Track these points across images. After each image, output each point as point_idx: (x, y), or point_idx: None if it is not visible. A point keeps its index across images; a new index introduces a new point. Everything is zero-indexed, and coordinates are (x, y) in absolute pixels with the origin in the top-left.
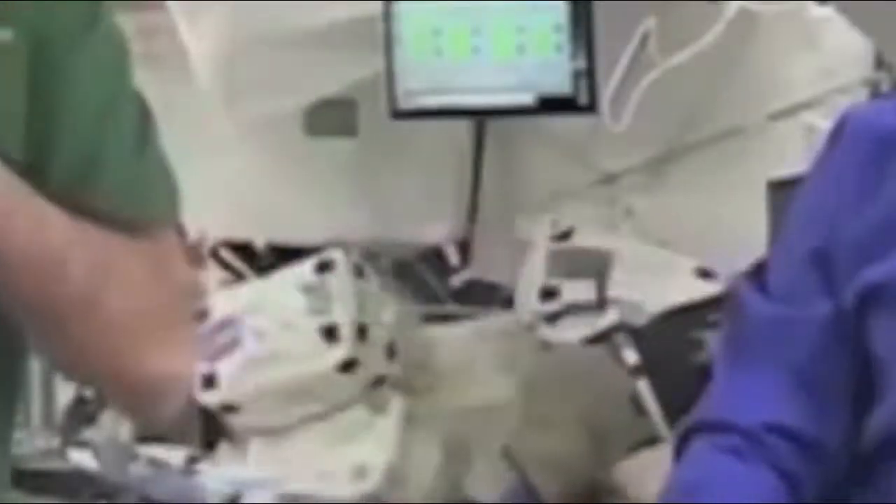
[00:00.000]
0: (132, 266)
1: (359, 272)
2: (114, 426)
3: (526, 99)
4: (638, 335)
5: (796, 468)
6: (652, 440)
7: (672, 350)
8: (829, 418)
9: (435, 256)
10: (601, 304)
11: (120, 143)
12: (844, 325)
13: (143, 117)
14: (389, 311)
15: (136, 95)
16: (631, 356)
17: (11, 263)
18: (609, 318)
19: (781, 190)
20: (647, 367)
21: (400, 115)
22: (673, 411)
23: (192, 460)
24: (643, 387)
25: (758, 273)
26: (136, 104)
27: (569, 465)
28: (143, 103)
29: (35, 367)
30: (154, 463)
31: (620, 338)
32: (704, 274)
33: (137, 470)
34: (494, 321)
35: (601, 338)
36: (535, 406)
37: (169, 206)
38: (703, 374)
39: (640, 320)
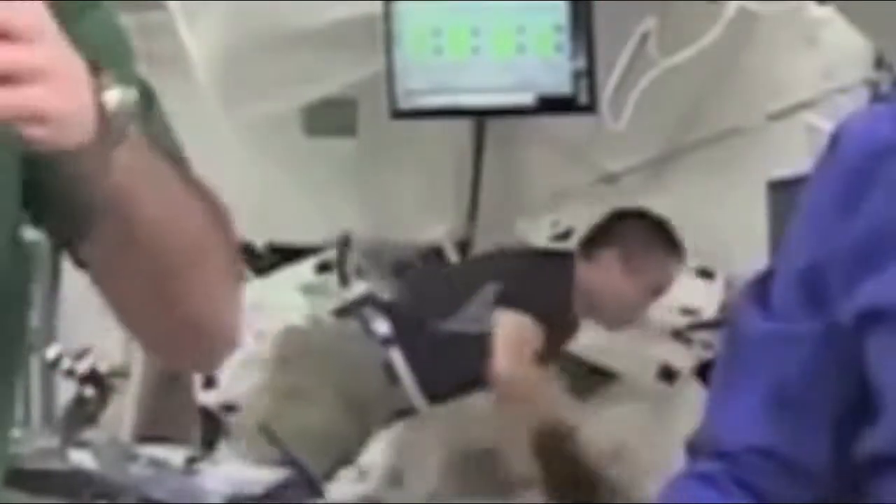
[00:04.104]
0: (216, 216)
1: (359, 272)
2: (114, 426)
3: (526, 99)
4: (386, 306)
5: (777, 490)
6: (407, 410)
7: (422, 319)
8: (815, 439)
9: (435, 256)
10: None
11: None
12: (838, 344)
13: (149, 99)
14: None
15: (141, 80)
16: (381, 326)
17: (144, 218)
18: (356, 290)
19: (781, 190)
20: (397, 337)
21: (400, 115)
22: (425, 380)
23: (192, 460)
24: (396, 356)
25: (759, 286)
26: (140, 85)
27: (329, 437)
28: (146, 85)
29: (35, 367)
30: (154, 463)
31: (369, 310)
32: (704, 274)
33: (137, 470)
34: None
35: (349, 310)
36: (291, 381)
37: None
38: (454, 342)
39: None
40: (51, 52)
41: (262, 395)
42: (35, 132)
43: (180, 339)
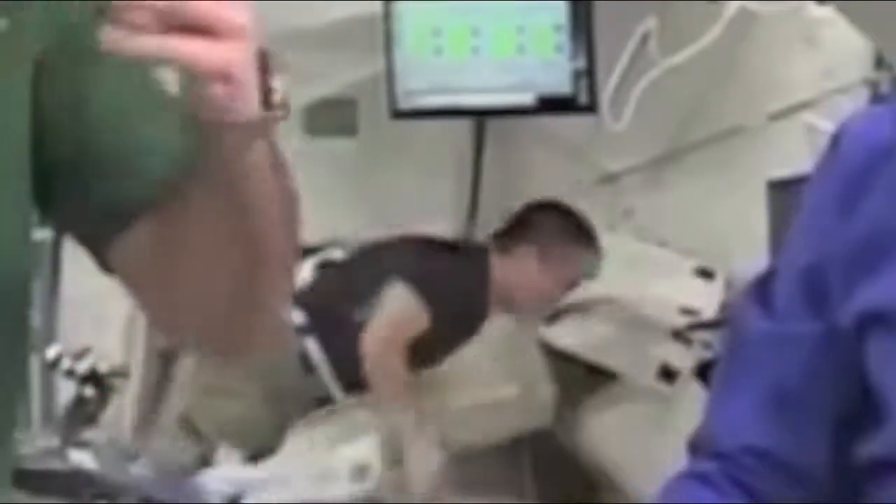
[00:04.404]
0: (295, 215)
1: None
2: (114, 426)
3: (526, 99)
4: (298, 296)
5: (772, 490)
6: (325, 399)
7: (335, 308)
8: (812, 440)
9: None
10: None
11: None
12: (838, 345)
13: None
14: None
15: None
16: (295, 317)
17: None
18: None
19: (781, 190)
20: (312, 327)
21: (400, 115)
22: (341, 369)
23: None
24: (311, 346)
25: (760, 286)
26: None
27: (248, 428)
28: None
29: (35, 366)
30: (154, 463)
31: None
32: (704, 273)
33: (137, 470)
34: (494, 321)
35: None
36: (209, 374)
37: None
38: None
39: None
40: (245, 18)
41: (181, 389)
42: (219, 90)
43: (241, 329)
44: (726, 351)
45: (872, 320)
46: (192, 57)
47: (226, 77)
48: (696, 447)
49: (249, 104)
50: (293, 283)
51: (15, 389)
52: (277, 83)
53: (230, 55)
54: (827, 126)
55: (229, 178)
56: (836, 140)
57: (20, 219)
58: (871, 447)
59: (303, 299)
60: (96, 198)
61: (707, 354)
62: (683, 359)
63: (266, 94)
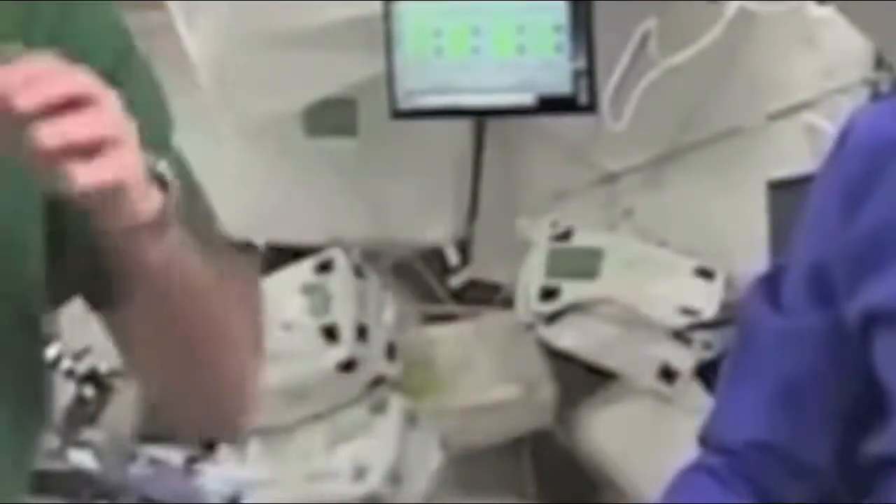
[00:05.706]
0: (246, 285)
1: (359, 272)
2: (114, 426)
3: (526, 99)
4: None
5: (779, 485)
6: None
7: None
8: (818, 436)
9: (435, 256)
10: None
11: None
12: (844, 341)
13: (181, 166)
14: (389, 311)
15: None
16: None
17: (176, 293)
18: None
19: (781, 190)
20: None
21: (400, 115)
22: None
23: (192, 460)
24: None
25: (768, 282)
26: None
27: None
28: (179, 154)
29: None
30: (154, 463)
31: None
32: (704, 274)
33: (137, 470)
34: (494, 321)
35: None
36: None
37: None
38: None
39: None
40: (117, 117)
41: None
42: (113, 204)
43: (199, 409)
44: (733, 347)
45: (878, 318)
46: (83, 179)
47: (119, 190)
48: (705, 441)
49: (148, 204)
50: (256, 360)
51: (37, 400)
52: (162, 167)
53: (112, 167)
54: (827, 126)
55: (148, 278)
56: (843, 136)
57: (22, 223)
58: (877, 445)
59: None
60: (76, 275)
61: (707, 354)
62: (683, 359)
63: (158, 180)
